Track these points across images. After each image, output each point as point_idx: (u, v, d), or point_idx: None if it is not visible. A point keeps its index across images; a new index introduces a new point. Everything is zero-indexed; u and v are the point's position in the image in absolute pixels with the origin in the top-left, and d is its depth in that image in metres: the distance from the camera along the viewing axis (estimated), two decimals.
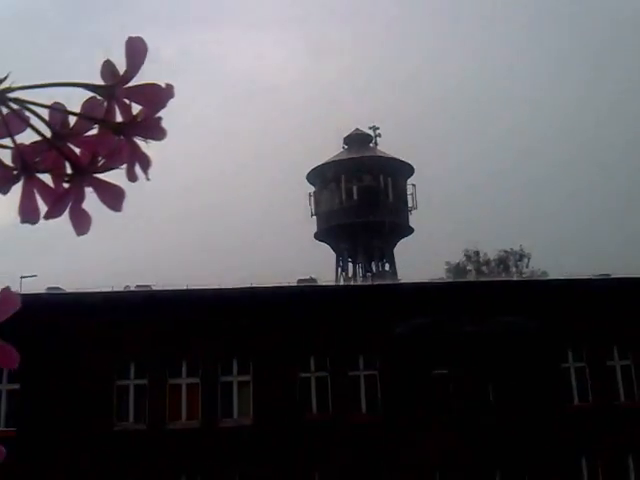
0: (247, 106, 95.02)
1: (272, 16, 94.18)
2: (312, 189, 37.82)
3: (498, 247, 46.91)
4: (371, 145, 38.17)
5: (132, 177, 0.88)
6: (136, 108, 0.87)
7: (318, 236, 38.31)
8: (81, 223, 0.87)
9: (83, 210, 0.87)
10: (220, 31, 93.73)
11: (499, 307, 21.03)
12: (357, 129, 38.64)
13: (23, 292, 20.78)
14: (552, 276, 29.60)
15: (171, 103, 0.82)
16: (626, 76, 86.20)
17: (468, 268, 46.72)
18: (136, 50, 0.84)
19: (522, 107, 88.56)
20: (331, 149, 38.73)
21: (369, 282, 32.31)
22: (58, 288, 20.50)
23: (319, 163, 37.26)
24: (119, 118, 0.87)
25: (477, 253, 46.91)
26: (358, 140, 37.96)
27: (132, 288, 21.15)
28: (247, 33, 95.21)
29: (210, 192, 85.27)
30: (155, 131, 0.86)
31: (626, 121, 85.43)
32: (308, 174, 37.65)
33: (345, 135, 38.44)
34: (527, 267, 45.87)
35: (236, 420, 19.68)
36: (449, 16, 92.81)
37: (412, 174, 37.52)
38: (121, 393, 19.41)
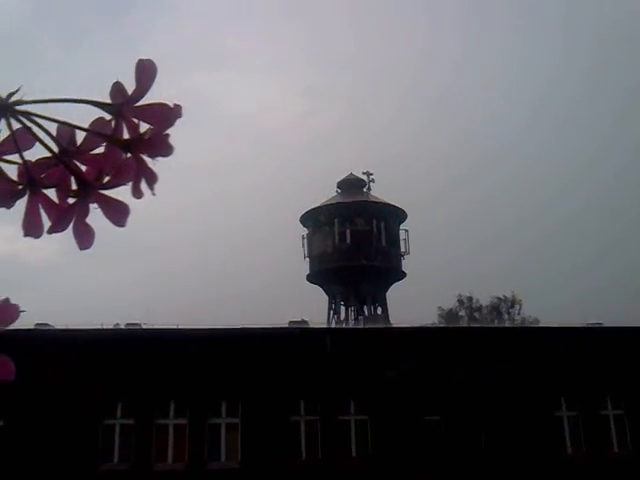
0: (242, 148, 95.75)
1: (270, 60, 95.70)
2: (306, 231, 37.88)
3: (491, 293, 46.91)
4: (364, 190, 38.37)
5: (138, 194, 0.89)
6: (144, 127, 0.89)
7: (311, 278, 38.20)
8: (84, 237, 0.89)
9: (87, 225, 0.88)
10: (217, 74, 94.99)
11: (492, 354, 20.94)
12: (351, 174, 38.90)
13: (11, 327, 20.62)
14: (543, 323, 29.53)
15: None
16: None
17: (460, 314, 46.64)
18: (145, 71, 0.86)
19: (517, 156, 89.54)
20: (325, 193, 38.95)
21: (361, 325, 32.14)
22: (47, 324, 20.31)
23: (313, 206, 37.40)
24: (127, 136, 0.89)
25: (470, 299, 46.93)
26: (352, 185, 38.17)
27: (122, 326, 20.99)
28: (244, 76, 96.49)
29: (203, 232, 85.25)
30: (163, 147, 0.87)
31: (615, 163, 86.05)
32: (302, 216, 37.74)
33: (339, 179, 38.73)
34: (519, 314, 45.86)
35: (223, 463, 19.33)
36: (445, 64, 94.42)
37: (405, 219, 37.66)
38: (107, 432, 19.07)
